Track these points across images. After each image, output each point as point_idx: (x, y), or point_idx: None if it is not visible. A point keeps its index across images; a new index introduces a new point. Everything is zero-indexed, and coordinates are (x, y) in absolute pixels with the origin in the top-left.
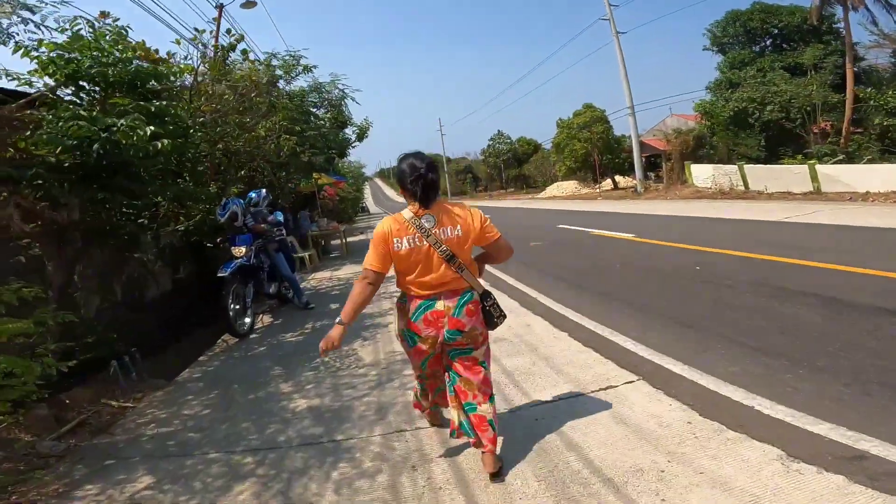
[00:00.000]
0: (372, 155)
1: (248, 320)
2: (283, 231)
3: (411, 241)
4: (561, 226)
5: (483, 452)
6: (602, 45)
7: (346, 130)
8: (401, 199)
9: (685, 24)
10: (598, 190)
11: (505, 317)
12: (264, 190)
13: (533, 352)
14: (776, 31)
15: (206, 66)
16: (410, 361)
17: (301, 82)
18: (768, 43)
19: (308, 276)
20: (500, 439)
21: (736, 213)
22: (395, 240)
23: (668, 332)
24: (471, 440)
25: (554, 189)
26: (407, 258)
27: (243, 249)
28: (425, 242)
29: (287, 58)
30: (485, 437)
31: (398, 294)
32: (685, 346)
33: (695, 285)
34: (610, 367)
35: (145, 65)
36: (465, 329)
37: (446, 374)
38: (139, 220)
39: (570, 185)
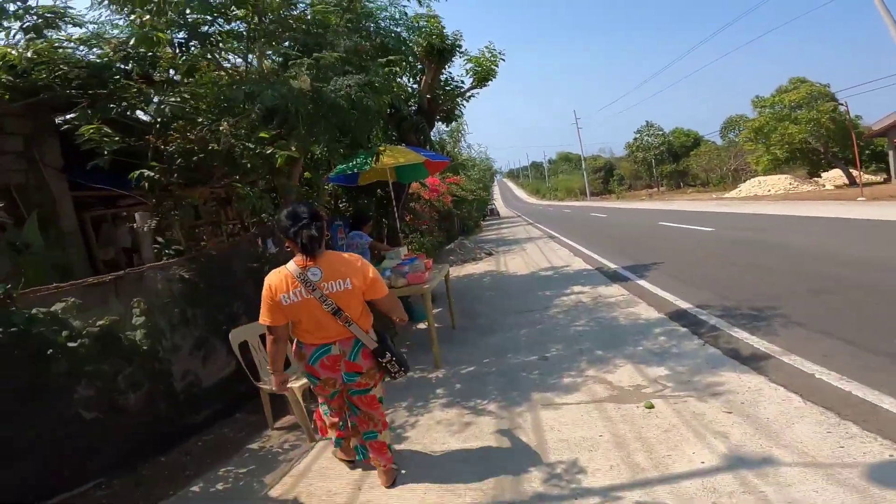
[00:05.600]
0: (500, 154)
1: None
2: None
3: (297, 294)
4: None
5: (381, 471)
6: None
7: (451, 70)
8: (532, 200)
9: None
10: (842, 187)
11: (406, 370)
12: None
13: None
14: None
15: None
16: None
17: None
18: None
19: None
20: None
21: None
22: (281, 295)
23: None
24: (365, 461)
25: (753, 186)
26: (295, 311)
27: None
28: (311, 296)
29: None
30: (383, 458)
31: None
32: None
33: None
34: None
35: None
36: (363, 370)
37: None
38: None
39: (779, 182)
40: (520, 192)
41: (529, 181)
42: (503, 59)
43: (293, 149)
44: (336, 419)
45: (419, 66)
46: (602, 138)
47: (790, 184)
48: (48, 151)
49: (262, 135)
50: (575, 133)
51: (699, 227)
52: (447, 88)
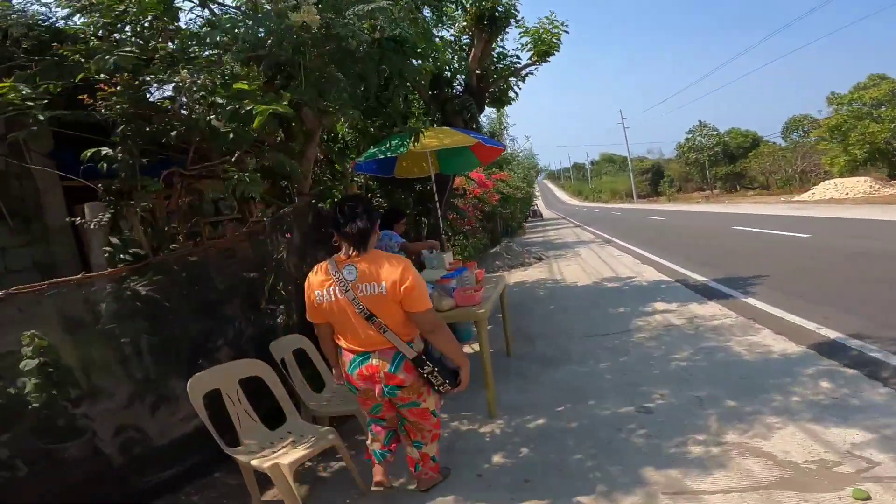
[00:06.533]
0: (539, 154)
1: None
2: None
3: (331, 293)
4: None
5: (419, 479)
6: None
7: (505, 44)
8: (575, 202)
9: None
10: None
11: (456, 385)
12: None
13: None
14: None
15: None
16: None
17: None
18: None
19: None
20: None
21: None
22: (315, 292)
23: None
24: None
25: (828, 189)
26: (328, 312)
27: None
28: (344, 296)
29: None
30: (426, 466)
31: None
32: None
33: None
34: None
35: None
36: (405, 384)
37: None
38: None
39: (857, 184)
40: (561, 194)
41: (571, 182)
42: (566, 31)
43: (285, 103)
44: (381, 437)
45: (465, 38)
46: (649, 139)
47: (871, 186)
48: (34, 134)
49: (238, 86)
50: (619, 133)
51: (790, 233)
52: (499, 65)
